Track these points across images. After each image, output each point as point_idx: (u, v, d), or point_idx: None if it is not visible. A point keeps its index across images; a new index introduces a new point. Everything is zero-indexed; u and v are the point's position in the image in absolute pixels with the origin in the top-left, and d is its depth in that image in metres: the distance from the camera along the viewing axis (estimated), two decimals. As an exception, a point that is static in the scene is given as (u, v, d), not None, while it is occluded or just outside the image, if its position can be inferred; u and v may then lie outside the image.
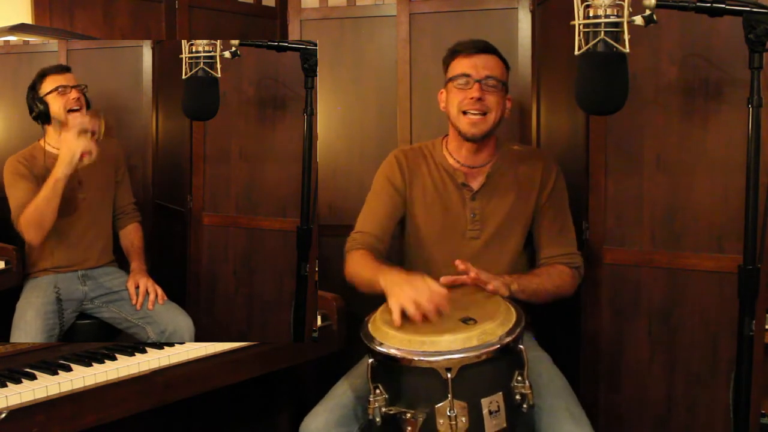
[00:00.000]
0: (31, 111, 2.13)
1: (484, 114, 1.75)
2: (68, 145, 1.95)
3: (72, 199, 2.12)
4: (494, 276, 1.62)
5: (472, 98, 1.73)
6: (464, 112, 1.75)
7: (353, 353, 1.89)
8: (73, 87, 2.11)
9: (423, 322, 1.42)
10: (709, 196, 1.82)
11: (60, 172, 1.95)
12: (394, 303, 1.46)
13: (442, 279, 1.57)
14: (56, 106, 2.10)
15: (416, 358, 1.33)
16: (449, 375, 1.30)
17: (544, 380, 1.60)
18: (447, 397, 1.31)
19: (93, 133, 2.01)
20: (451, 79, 1.79)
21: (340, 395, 1.64)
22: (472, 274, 1.58)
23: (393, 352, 1.36)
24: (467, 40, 1.81)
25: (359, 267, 1.77)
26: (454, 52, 1.81)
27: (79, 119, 2.03)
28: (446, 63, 1.84)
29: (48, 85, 2.10)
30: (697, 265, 1.85)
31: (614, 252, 1.96)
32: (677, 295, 1.89)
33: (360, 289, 1.76)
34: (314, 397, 1.70)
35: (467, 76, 1.75)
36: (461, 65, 1.77)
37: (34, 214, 1.97)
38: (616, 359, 1.99)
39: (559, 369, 1.71)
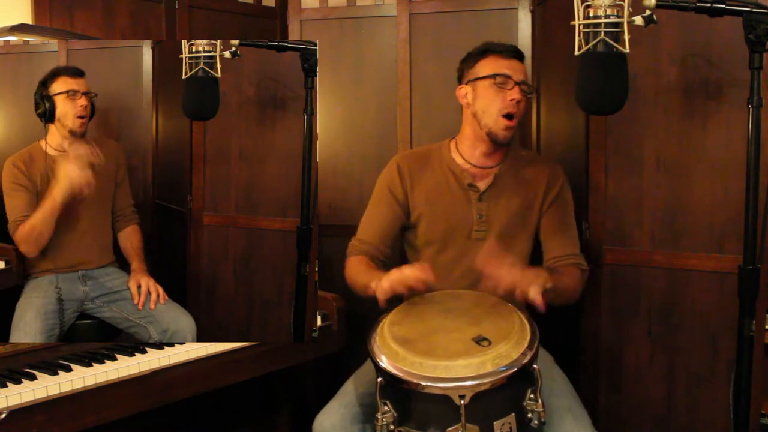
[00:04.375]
0: (36, 107, 2.12)
1: (516, 118, 1.75)
2: (69, 174, 1.94)
3: (72, 200, 2.12)
4: (529, 274, 1.53)
5: (512, 100, 1.72)
6: (505, 116, 1.73)
7: (353, 353, 1.89)
8: (83, 93, 2.11)
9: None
10: (709, 196, 1.82)
11: (58, 196, 1.95)
12: (380, 286, 1.57)
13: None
14: (63, 109, 2.09)
15: (429, 384, 1.31)
16: (462, 401, 1.29)
17: (546, 380, 1.59)
18: (459, 421, 1.29)
19: (93, 166, 2.01)
20: (484, 77, 1.75)
21: (353, 393, 1.64)
22: (501, 291, 1.50)
23: (405, 376, 1.33)
24: (501, 42, 1.80)
25: (355, 272, 1.82)
26: (485, 51, 1.78)
27: (81, 150, 2.01)
28: (473, 60, 1.80)
29: (59, 85, 2.09)
30: (697, 265, 1.84)
31: (614, 252, 1.96)
32: (677, 295, 1.89)
33: (357, 293, 1.79)
34: (314, 397, 1.70)
35: (507, 77, 1.73)
36: (498, 65, 1.75)
37: (30, 233, 1.99)
38: (616, 359, 1.99)
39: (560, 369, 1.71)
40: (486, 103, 1.75)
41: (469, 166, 1.83)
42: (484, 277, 1.53)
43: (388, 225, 1.88)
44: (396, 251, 1.96)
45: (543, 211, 1.82)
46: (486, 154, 1.82)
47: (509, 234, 1.81)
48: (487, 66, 1.76)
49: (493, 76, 1.74)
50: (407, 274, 1.55)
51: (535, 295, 1.47)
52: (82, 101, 2.10)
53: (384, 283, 1.56)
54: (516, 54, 1.78)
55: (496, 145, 1.78)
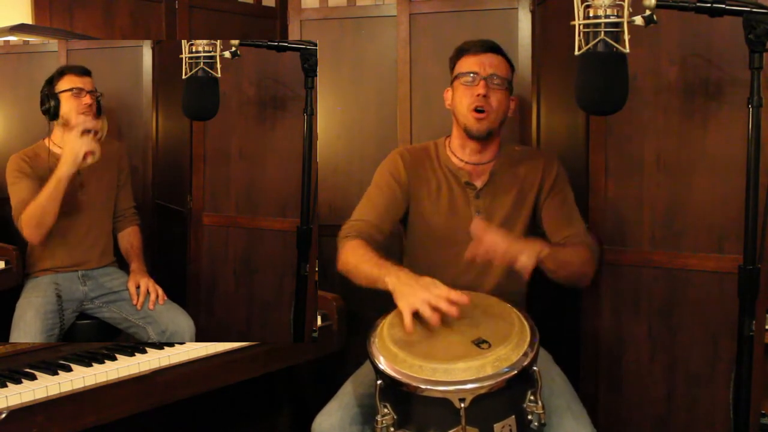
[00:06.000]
0: (42, 104, 2.12)
1: (487, 111, 1.75)
2: (71, 144, 1.95)
3: (74, 200, 2.12)
4: (520, 243, 1.54)
5: (478, 95, 1.74)
6: (475, 110, 1.75)
7: (353, 353, 1.89)
8: (88, 92, 2.11)
9: (436, 324, 1.40)
10: (709, 196, 1.82)
11: (63, 171, 1.94)
12: (405, 305, 1.43)
13: (467, 254, 1.52)
14: (68, 106, 2.09)
15: (429, 387, 1.30)
16: (463, 405, 1.28)
17: (546, 380, 1.59)
18: (459, 424, 1.29)
19: (96, 133, 2.01)
20: (457, 77, 1.80)
21: (352, 394, 1.64)
22: (498, 259, 1.50)
23: (404, 379, 1.32)
24: (475, 40, 1.82)
25: (358, 258, 1.67)
26: (461, 51, 1.82)
27: (81, 119, 2.02)
28: (453, 62, 1.84)
29: (65, 83, 2.10)
30: (697, 265, 1.85)
31: (614, 252, 1.96)
32: (677, 295, 1.89)
33: (355, 281, 1.68)
34: (314, 397, 1.69)
35: (474, 73, 1.76)
36: (468, 63, 1.79)
37: (35, 212, 1.96)
38: (616, 359, 1.99)
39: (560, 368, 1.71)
40: (458, 101, 1.79)
41: (463, 164, 1.84)
42: (475, 242, 1.52)
43: (388, 207, 1.84)
44: (394, 250, 1.96)
45: (541, 202, 1.82)
46: (476, 151, 1.83)
47: (507, 229, 1.81)
48: (460, 66, 1.81)
49: (459, 75, 1.78)
50: (440, 295, 1.42)
51: (525, 261, 1.49)
52: (87, 99, 2.10)
53: (404, 305, 1.44)
54: (489, 48, 1.79)
55: (476, 140, 1.79)
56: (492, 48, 1.80)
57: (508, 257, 1.52)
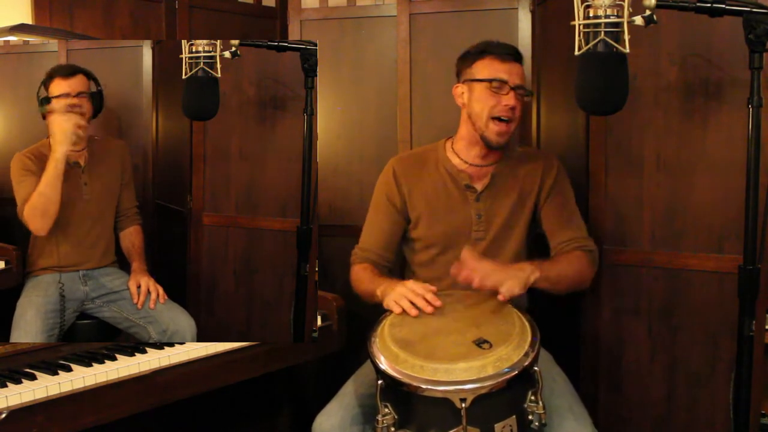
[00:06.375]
0: (40, 106, 2.12)
1: (511, 121, 1.75)
2: (59, 124, 1.95)
3: (77, 199, 2.12)
4: (505, 270, 1.58)
5: (506, 105, 1.72)
6: (495, 118, 1.73)
7: (353, 353, 1.89)
8: (75, 95, 2.10)
9: (419, 315, 1.54)
10: (709, 196, 1.82)
11: (58, 151, 1.94)
12: (389, 302, 1.60)
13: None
14: (59, 110, 2.09)
15: (430, 387, 1.30)
16: (463, 405, 1.28)
17: (547, 380, 1.59)
18: (460, 424, 1.29)
19: (79, 108, 2.03)
20: (480, 80, 1.75)
21: (352, 394, 1.64)
22: (476, 283, 1.54)
23: (405, 379, 1.33)
24: (498, 43, 1.79)
25: (360, 280, 1.85)
26: (483, 52, 1.77)
27: (61, 102, 2.03)
28: (470, 60, 1.79)
29: (54, 88, 2.09)
30: (697, 265, 1.84)
31: (614, 252, 1.96)
32: (677, 295, 1.89)
33: (364, 300, 1.82)
34: (314, 397, 1.70)
35: (503, 81, 1.72)
36: (495, 68, 1.74)
37: (38, 201, 1.95)
38: (616, 359, 1.99)
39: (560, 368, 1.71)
40: (480, 106, 1.75)
41: (465, 167, 1.84)
42: (458, 264, 1.58)
43: (388, 232, 1.89)
44: (400, 255, 1.96)
45: (541, 203, 1.83)
46: (482, 156, 1.83)
47: (507, 231, 1.81)
48: (484, 68, 1.76)
49: (489, 81, 1.73)
50: (414, 291, 1.59)
51: (505, 291, 1.52)
52: (72, 101, 2.09)
53: (389, 301, 1.60)
54: (514, 56, 1.77)
55: (493, 149, 1.79)
56: (517, 57, 1.77)
57: (489, 284, 1.54)
